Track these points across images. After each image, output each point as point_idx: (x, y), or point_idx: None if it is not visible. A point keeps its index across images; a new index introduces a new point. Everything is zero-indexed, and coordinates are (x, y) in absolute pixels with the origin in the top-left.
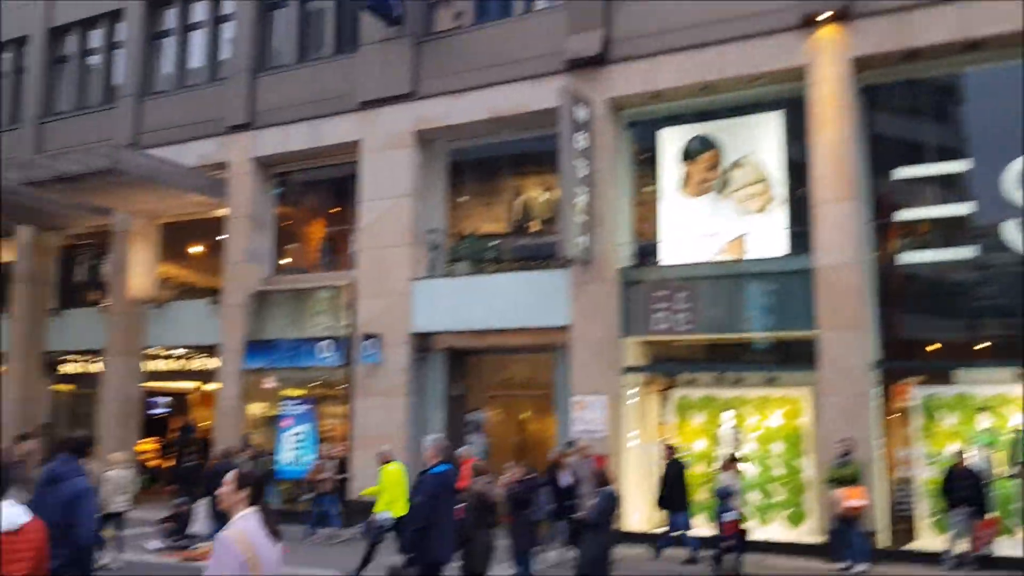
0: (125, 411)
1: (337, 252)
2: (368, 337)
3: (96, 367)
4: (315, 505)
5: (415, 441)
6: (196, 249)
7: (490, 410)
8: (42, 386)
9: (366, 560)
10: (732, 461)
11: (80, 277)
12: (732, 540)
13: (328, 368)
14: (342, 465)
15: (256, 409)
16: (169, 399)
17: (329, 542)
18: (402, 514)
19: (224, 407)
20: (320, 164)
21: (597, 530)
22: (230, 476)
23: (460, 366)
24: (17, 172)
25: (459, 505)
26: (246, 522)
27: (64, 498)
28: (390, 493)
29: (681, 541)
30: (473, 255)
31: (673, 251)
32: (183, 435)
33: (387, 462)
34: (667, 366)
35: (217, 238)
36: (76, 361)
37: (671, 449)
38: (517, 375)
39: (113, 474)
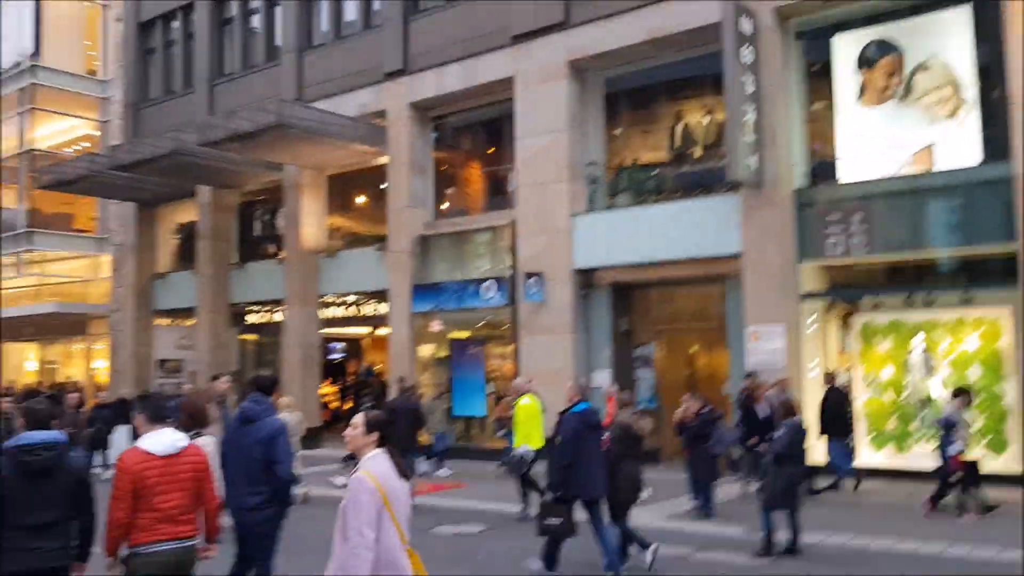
0: (306, 357)
1: (496, 192)
2: (530, 276)
3: (277, 316)
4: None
5: (582, 377)
6: (361, 198)
7: (658, 345)
8: (230, 336)
9: (525, 494)
10: (961, 392)
11: (257, 231)
12: (960, 474)
13: (492, 308)
14: None
15: (426, 351)
16: (344, 344)
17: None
18: (539, 447)
19: (396, 350)
20: (475, 105)
21: (784, 463)
22: (358, 419)
23: (626, 301)
24: (194, 135)
25: (604, 438)
26: (376, 462)
27: (262, 436)
28: (526, 427)
29: (834, 469)
30: (634, 186)
31: (852, 167)
32: (363, 377)
33: (521, 395)
34: (848, 291)
35: (380, 186)
36: (259, 311)
37: (831, 376)
38: (685, 308)
39: (283, 417)
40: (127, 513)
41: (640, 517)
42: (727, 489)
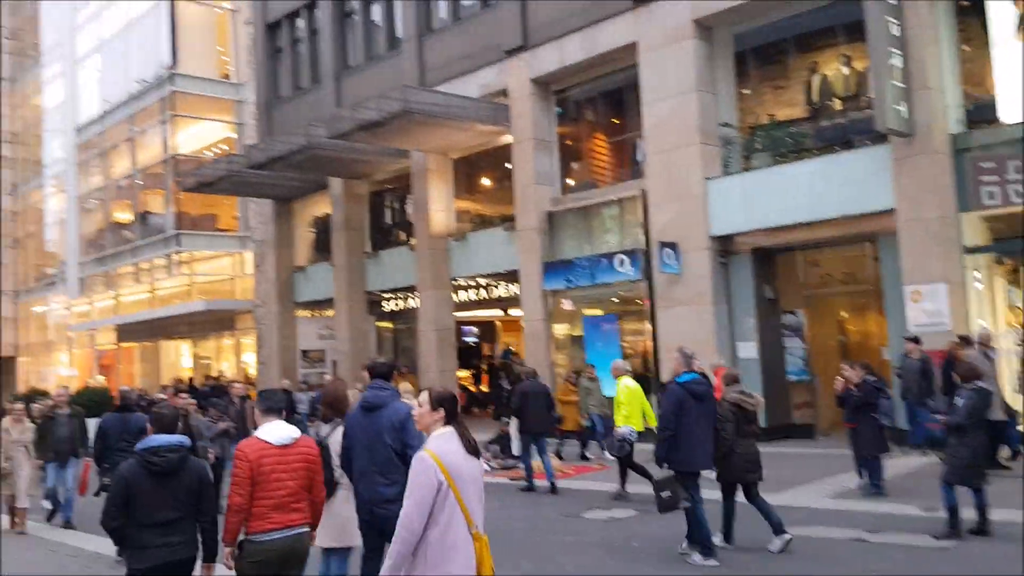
0: (441, 341)
1: (624, 163)
2: (665, 246)
3: (411, 302)
4: None
5: (727, 350)
6: (487, 179)
7: (806, 312)
8: (367, 324)
9: (625, 475)
10: None
11: (388, 219)
12: None
13: (626, 282)
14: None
15: (560, 330)
16: (476, 328)
17: None
18: (640, 428)
19: (530, 330)
20: (597, 75)
21: (966, 433)
22: (423, 397)
23: (768, 267)
24: (323, 128)
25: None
26: (443, 441)
27: (391, 423)
28: (627, 407)
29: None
30: (770, 146)
31: (1016, 107)
32: (503, 359)
33: (620, 376)
34: (1016, 243)
35: (505, 165)
36: (393, 298)
37: (967, 339)
38: (833, 271)
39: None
40: (246, 499)
41: (802, 496)
42: (895, 463)
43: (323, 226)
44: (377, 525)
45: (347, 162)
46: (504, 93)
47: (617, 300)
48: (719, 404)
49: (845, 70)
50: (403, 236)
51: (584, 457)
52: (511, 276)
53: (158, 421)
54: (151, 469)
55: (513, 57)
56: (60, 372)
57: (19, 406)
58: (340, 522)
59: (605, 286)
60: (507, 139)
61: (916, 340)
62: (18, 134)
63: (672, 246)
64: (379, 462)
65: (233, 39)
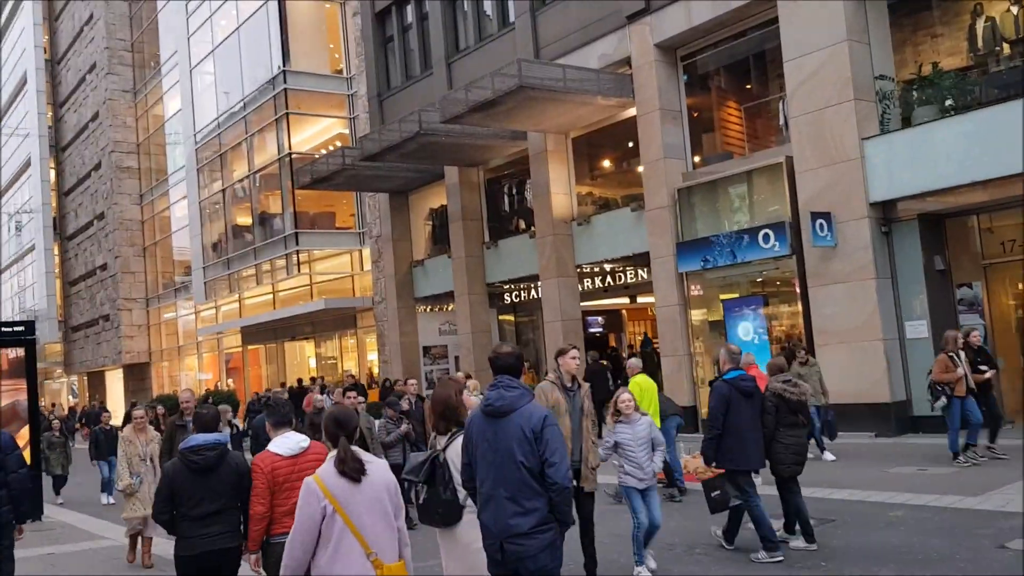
0: (567, 332)
1: (762, 129)
2: (817, 216)
3: (534, 292)
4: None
5: (891, 330)
6: (610, 157)
7: (984, 283)
8: (489, 317)
9: None
10: None
11: (506, 207)
12: None
13: (773, 259)
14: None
15: (698, 314)
16: (601, 318)
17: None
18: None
19: (664, 316)
20: (729, 34)
21: None
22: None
23: (938, 234)
24: (436, 113)
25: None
26: (331, 464)
27: (522, 433)
28: (642, 406)
29: None
30: (934, 98)
31: None
32: (644, 348)
33: (636, 374)
34: None
35: (629, 142)
36: (515, 289)
37: None
38: (1016, 236)
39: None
40: (266, 507)
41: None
42: None
43: (440, 218)
44: (508, 564)
45: (462, 148)
46: (626, 63)
47: (762, 280)
48: (764, 395)
49: (1015, 9)
50: (522, 224)
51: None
52: (640, 260)
53: (198, 421)
54: (191, 467)
55: (635, 22)
56: (196, 376)
57: (140, 412)
58: (470, 555)
59: (747, 265)
60: (630, 113)
61: None
62: (142, 144)
63: (825, 216)
64: (509, 484)
65: (343, 33)
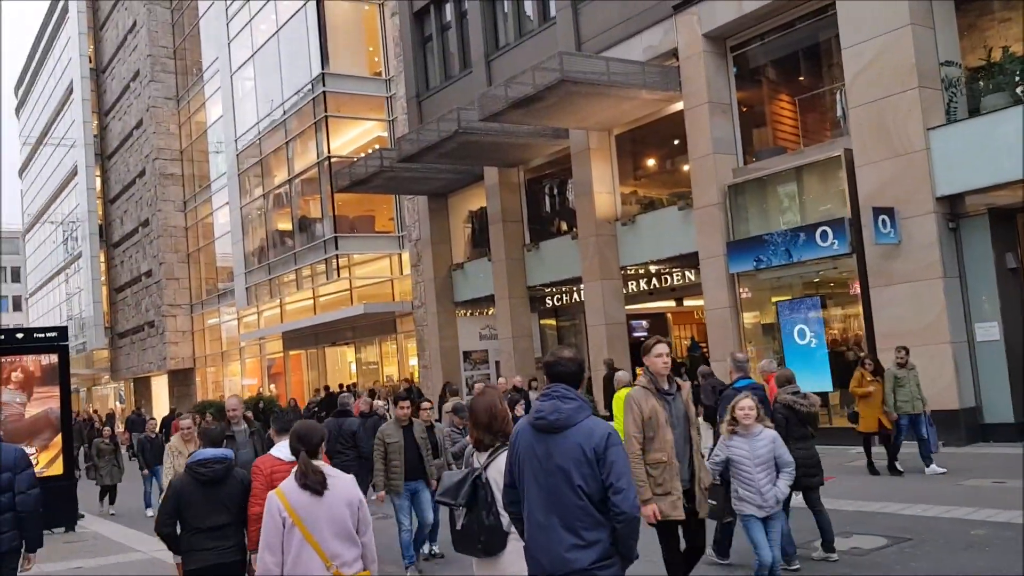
0: (612, 336)
1: (817, 121)
2: (879, 212)
3: (576, 295)
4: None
5: (960, 332)
6: (655, 154)
7: None
8: (530, 321)
9: None
10: None
11: (547, 208)
12: None
13: (830, 258)
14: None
15: (749, 317)
16: (645, 322)
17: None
18: None
19: (714, 319)
20: (781, 22)
21: None
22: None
23: (1009, 230)
24: (473, 113)
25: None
26: (291, 479)
27: (580, 453)
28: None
29: None
30: (1004, 84)
31: None
32: (691, 354)
33: (622, 387)
34: None
35: (675, 138)
36: (557, 292)
37: None
38: None
39: None
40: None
41: None
42: None
43: (479, 220)
44: None
45: (501, 147)
46: (673, 55)
47: (817, 280)
48: (772, 407)
49: None
50: (564, 226)
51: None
52: (687, 261)
53: (205, 436)
54: (199, 479)
55: (682, 12)
56: (240, 382)
57: (188, 422)
58: None
59: (802, 265)
60: (676, 107)
61: None
62: (185, 151)
63: (888, 212)
64: (565, 511)
65: (381, 34)
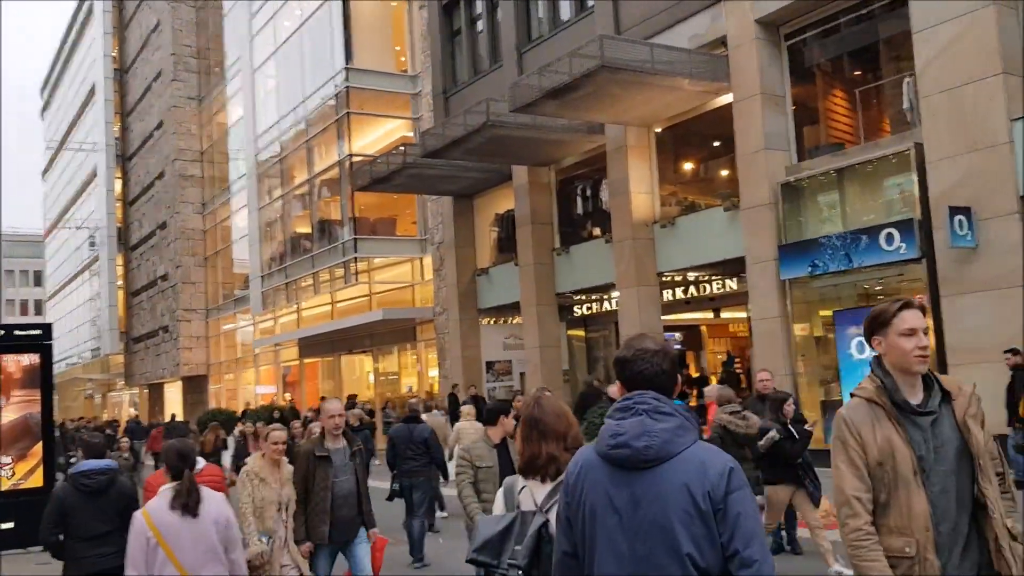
0: None
1: (881, 115)
2: (955, 212)
3: (607, 303)
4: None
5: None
6: (697, 152)
7: None
8: (558, 330)
9: None
10: None
11: (579, 210)
12: None
13: (895, 264)
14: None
15: (801, 328)
16: (678, 335)
17: None
18: None
19: (762, 329)
20: (840, 7)
21: None
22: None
23: None
24: (503, 105)
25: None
26: (162, 498)
27: (686, 499)
28: None
29: None
30: None
31: None
32: (725, 368)
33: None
34: None
35: (720, 135)
36: (587, 300)
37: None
38: None
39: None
40: None
41: None
42: None
43: (507, 223)
44: None
45: (532, 144)
46: (721, 43)
47: (880, 288)
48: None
49: None
50: (595, 231)
51: None
52: (730, 267)
53: (87, 448)
54: (82, 490)
55: None
56: (255, 390)
57: (281, 435)
58: None
59: (862, 271)
60: (721, 102)
61: None
62: (205, 152)
63: (965, 212)
64: (653, 558)
65: (408, 31)
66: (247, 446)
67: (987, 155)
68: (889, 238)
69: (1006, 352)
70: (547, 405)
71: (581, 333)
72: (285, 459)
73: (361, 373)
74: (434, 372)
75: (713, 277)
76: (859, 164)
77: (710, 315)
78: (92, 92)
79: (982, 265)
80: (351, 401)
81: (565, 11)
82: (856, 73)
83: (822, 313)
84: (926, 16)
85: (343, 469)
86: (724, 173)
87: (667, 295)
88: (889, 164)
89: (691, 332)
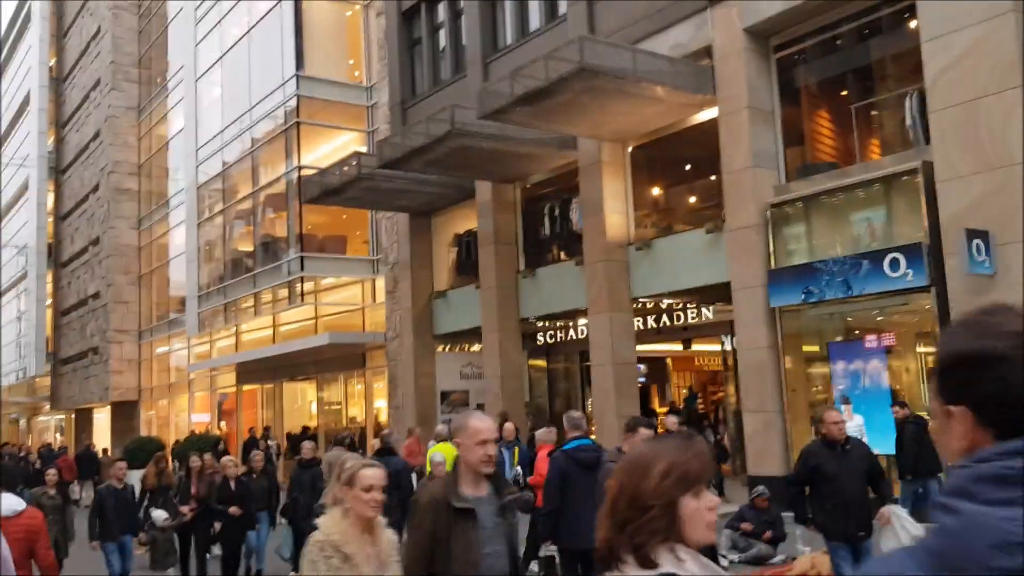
0: (620, 379)
1: (884, 130)
2: (973, 236)
3: (572, 332)
4: None
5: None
6: (677, 171)
7: None
8: (520, 358)
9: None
10: None
11: (547, 230)
12: None
13: (901, 292)
14: None
15: (793, 361)
16: (643, 367)
17: None
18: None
19: (749, 361)
20: (837, 17)
21: None
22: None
23: None
24: (469, 113)
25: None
26: None
27: None
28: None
29: None
30: None
31: None
32: (687, 404)
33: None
34: None
35: (702, 153)
36: (551, 328)
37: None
38: None
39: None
40: None
41: None
42: None
43: (467, 243)
44: None
45: (499, 156)
46: (706, 54)
47: (881, 318)
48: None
49: None
50: (563, 253)
51: None
52: (709, 294)
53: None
54: None
55: (719, 4)
56: (189, 418)
57: (378, 476)
58: None
59: (861, 299)
60: (703, 117)
61: None
62: (143, 165)
63: (983, 236)
64: None
65: (364, 39)
66: (190, 485)
67: (1005, 175)
68: (894, 263)
69: (894, 405)
70: (626, 475)
71: (543, 363)
72: (382, 519)
73: (303, 402)
74: (381, 403)
75: (689, 305)
76: (857, 184)
77: (679, 347)
78: (27, 101)
79: (1000, 295)
80: (266, 432)
81: (535, 19)
82: (852, 87)
83: (811, 347)
84: (937, 24)
85: (493, 531)
86: (703, 194)
87: (639, 323)
88: (894, 184)
89: (656, 364)
